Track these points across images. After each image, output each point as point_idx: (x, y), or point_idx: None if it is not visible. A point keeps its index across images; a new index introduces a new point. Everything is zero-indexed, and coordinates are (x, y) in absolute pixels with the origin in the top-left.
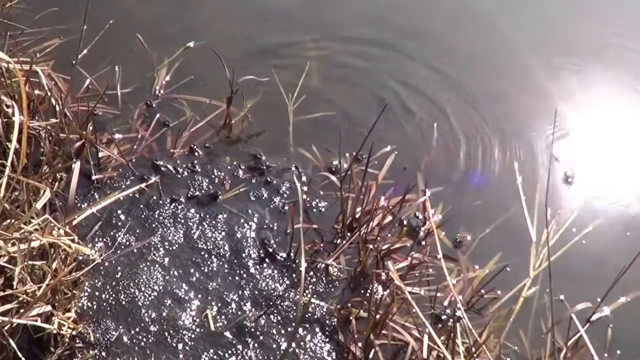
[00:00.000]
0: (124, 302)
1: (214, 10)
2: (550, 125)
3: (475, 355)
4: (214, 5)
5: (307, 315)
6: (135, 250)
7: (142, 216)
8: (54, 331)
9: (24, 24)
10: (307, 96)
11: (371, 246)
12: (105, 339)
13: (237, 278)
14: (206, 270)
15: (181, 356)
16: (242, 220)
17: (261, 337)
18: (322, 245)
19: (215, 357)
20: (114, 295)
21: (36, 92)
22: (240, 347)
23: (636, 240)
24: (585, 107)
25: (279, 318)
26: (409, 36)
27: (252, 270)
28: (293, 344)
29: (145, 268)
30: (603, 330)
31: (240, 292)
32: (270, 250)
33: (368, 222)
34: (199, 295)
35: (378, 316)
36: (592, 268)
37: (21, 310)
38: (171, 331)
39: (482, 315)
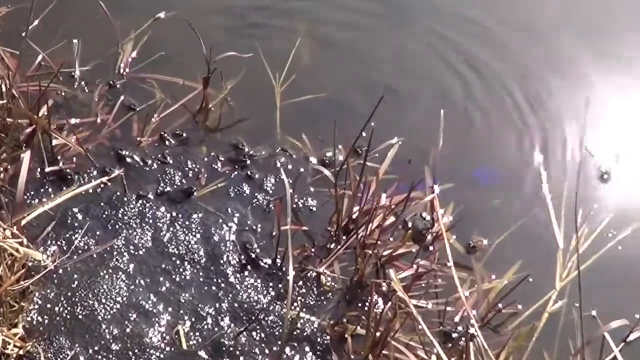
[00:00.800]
0: (80, 316)
1: None
2: (584, 113)
3: None
4: None
5: (295, 332)
6: (94, 255)
7: (104, 215)
8: None
9: None
10: (297, 76)
11: (370, 252)
12: (59, 359)
13: (213, 288)
14: (178, 279)
15: None
16: (220, 221)
17: (241, 358)
18: (313, 250)
19: None
20: (69, 308)
21: None
22: None
23: None
24: (627, 95)
25: (263, 335)
26: (420, 4)
27: (232, 279)
28: None
29: (107, 276)
30: None
31: (217, 305)
32: (253, 255)
33: (367, 224)
34: (169, 308)
35: (378, 334)
36: (629, 279)
37: None
38: (136, 350)
39: (500, 333)
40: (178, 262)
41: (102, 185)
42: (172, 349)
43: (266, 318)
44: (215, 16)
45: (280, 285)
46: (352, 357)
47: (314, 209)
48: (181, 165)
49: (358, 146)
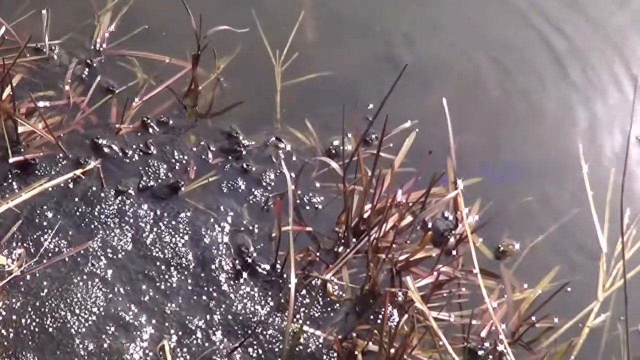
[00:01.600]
0: (51, 329)
1: None
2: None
3: None
4: None
5: (297, 349)
6: (67, 259)
7: (77, 213)
8: None
9: None
10: (300, 55)
11: (384, 256)
12: None
13: (204, 298)
14: (163, 287)
15: None
16: (212, 220)
17: None
18: (318, 254)
19: None
20: (37, 320)
21: None
22: None
23: None
24: None
25: (260, 352)
26: None
27: (225, 287)
28: None
29: (81, 283)
30: None
31: (208, 317)
32: (249, 260)
33: (380, 224)
34: (153, 321)
35: (392, 350)
36: None
37: None
38: None
39: (533, 350)
40: (163, 267)
41: (75, 179)
42: None
43: (264, 332)
44: None
45: (280, 295)
46: None
47: (320, 207)
48: (166, 157)
49: (369, 134)
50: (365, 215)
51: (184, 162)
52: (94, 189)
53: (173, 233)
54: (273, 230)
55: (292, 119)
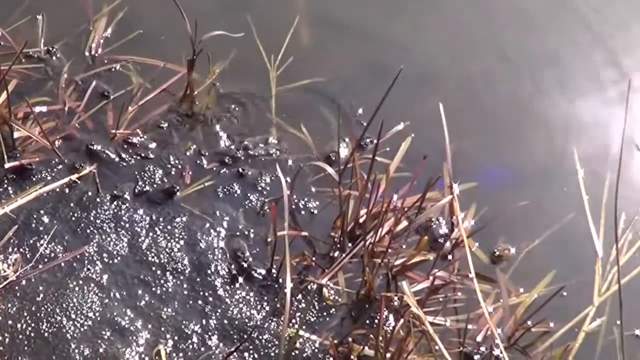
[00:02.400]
0: (47, 334)
1: None
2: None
3: None
4: None
5: (293, 353)
6: (63, 264)
7: (73, 218)
8: None
9: None
10: (295, 59)
11: (380, 261)
12: None
13: (200, 302)
14: (159, 292)
15: None
16: (207, 225)
17: None
18: (314, 259)
19: None
20: (33, 325)
21: None
22: None
23: None
24: None
25: (256, 356)
26: None
27: (221, 292)
28: None
29: (77, 288)
30: None
31: (204, 322)
32: (245, 265)
33: (376, 229)
34: (149, 325)
35: (388, 355)
36: None
37: None
38: None
39: (529, 355)
40: (159, 272)
41: (71, 184)
42: None
43: (260, 337)
44: None
45: (276, 300)
46: None
47: (315, 211)
48: (162, 162)
49: (365, 139)
50: (361, 220)
51: (180, 167)
52: (90, 193)
53: (169, 238)
54: (269, 235)
55: (287, 123)
